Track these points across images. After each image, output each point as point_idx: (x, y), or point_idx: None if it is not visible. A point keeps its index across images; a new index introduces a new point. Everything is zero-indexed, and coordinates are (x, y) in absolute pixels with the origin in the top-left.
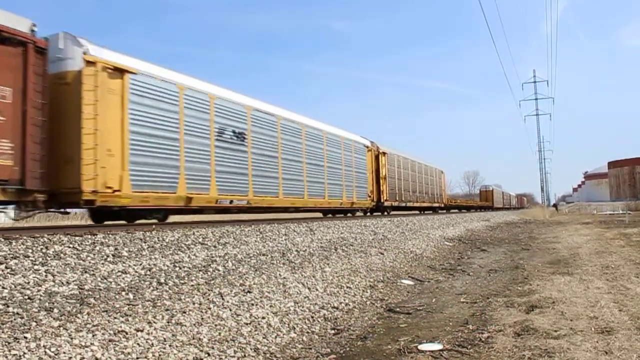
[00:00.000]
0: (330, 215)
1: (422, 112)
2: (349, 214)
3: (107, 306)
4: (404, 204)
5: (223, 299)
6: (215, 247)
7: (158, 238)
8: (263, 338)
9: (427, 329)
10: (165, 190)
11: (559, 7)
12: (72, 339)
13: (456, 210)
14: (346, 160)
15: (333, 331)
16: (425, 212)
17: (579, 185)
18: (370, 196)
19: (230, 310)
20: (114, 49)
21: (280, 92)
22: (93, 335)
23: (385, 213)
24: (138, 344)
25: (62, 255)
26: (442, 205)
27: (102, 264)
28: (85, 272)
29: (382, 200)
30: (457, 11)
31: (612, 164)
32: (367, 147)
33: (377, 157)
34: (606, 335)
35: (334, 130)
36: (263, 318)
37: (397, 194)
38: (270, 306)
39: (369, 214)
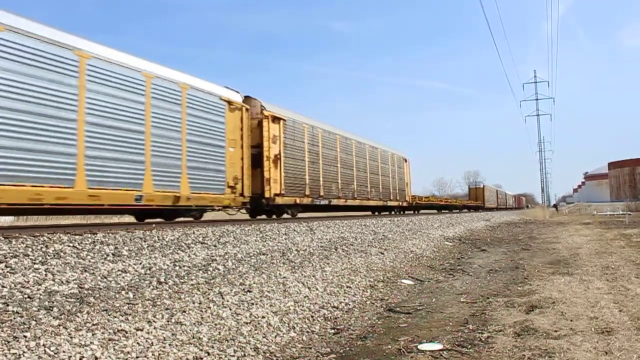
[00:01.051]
0: (156, 220)
1: (422, 112)
2: (180, 218)
3: (106, 305)
4: (324, 202)
5: (223, 298)
6: (215, 246)
7: (158, 237)
8: (263, 337)
9: (427, 329)
10: None
11: (560, 7)
12: (71, 338)
13: (434, 211)
14: (164, 118)
15: (333, 331)
16: (381, 213)
17: (579, 186)
18: (233, 187)
19: (230, 309)
20: None
21: (280, 92)
22: (93, 335)
23: (287, 215)
24: (138, 343)
25: (61, 254)
26: (405, 205)
27: (102, 263)
28: (85, 271)
29: (269, 195)
30: (457, 11)
31: (612, 165)
32: (231, 102)
33: (260, 124)
34: (606, 335)
35: (126, 59)
36: (263, 317)
37: (309, 186)
38: (270, 305)
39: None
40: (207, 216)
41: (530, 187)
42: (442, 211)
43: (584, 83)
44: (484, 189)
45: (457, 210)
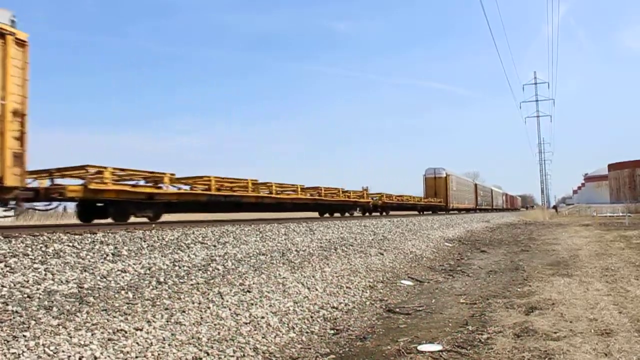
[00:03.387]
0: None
1: (422, 113)
2: None
3: (106, 305)
4: None
5: (222, 298)
6: (214, 246)
7: (158, 237)
8: (262, 338)
9: (426, 330)
10: None
11: (560, 9)
12: (71, 337)
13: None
14: None
15: (332, 331)
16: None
17: (579, 187)
18: None
19: (230, 309)
20: None
21: (280, 93)
22: (92, 334)
23: None
24: (137, 343)
25: (61, 253)
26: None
27: (102, 262)
28: (85, 270)
29: None
30: (457, 12)
31: (612, 166)
32: None
33: None
34: (606, 337)
35: None
36: (262, 318)
37: None
38: (270, 306)
39: None
40: None
41: (530, 188)
42: (327, 218)
43: (584, 84)
44: (447, 179)
45: (360, 214)
